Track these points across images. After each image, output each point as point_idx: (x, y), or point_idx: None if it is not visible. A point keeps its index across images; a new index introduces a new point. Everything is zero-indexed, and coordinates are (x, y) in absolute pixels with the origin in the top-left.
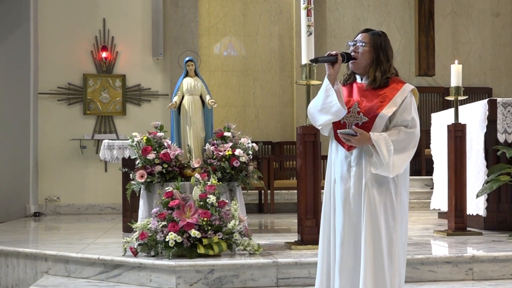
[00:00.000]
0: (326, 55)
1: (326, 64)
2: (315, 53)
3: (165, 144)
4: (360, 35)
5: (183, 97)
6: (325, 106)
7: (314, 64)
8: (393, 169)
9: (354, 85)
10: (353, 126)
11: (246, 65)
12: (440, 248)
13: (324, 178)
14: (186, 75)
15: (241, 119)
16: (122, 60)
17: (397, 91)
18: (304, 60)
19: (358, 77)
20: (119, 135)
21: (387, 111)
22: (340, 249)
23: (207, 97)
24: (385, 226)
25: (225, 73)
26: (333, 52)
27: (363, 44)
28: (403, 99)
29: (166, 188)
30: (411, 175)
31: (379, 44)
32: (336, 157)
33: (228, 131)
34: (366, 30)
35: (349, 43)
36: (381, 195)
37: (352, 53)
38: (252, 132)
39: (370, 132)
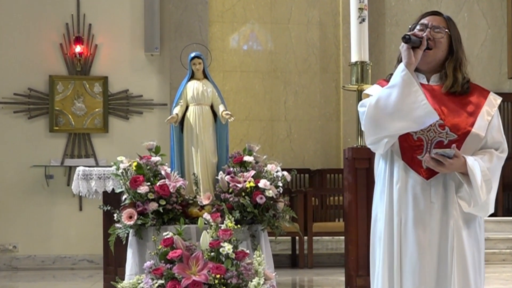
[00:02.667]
0: (410, 33)
1: (404, 47)
2: (370, 47)
3: (163, 172)
4: (429, 17)
5: (187, 108)
6: (404, 107)
7: (405, 43)
8: (490, 206)
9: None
10: (453, 146)
11: (274, 63)
12: None
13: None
14: (192, 77)
15: (267, 138)
16: (103, 57)
17: (484, 102)
18: (355, 57)
19: (419, 76)
20: (98, 160)
21: (480, 129)
22: None
23: (221, 108)
24: (474, 286)
25: (245, 75)
26: (419, 33)
27: (440, 30)
28: (493, 114)
29: (164, 234)
30: (502, 214)
31: (457, 35)
32: (404, 188)
33: (250, 155)
34: (436, 13)
35: (417, 27)
36: (470, 243)
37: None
38: (282, 156)
39: (466, 156)
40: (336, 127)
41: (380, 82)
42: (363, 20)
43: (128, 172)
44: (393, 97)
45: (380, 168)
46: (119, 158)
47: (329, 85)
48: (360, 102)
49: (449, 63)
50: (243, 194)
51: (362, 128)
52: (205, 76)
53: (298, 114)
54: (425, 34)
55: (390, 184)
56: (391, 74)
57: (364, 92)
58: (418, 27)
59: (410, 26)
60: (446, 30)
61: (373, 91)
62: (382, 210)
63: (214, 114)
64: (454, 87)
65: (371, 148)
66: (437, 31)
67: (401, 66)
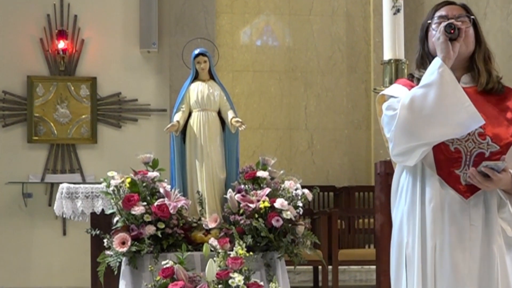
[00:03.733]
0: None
1: (441, 39)
2: (405, 42)
3: (161, 190)
4: (446, 8)
5: (189, 115)
6: (444, 110)
7: (449, 32)
8: None
9: None
10: (503, 157)
11: (292, 62)
12: None
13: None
14: (196, 78)
15: (285, 150)
16: (91, 54)
17: None
18: (388, 54)
19: None
20: (85, 175)
21: None
22: None
23: (230, 114)
24: None
25: (258, 75)
26: (457, 23)
27: (464, 19)
28: None
29: (163, 262)
30: None
31: (480, 27)
32: (440, 207)
33: (264, 170)
34: (451, 2)
35: (434, 21)
36: None
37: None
38: (303, 170)
39: None
40: (366, 137)
41: (401, 81)
42: (398, 10)
43: (121, 190)
44: (431, 98)
45: (405, 183)
46: (109, 174)
47: (358, 87)
48: (386, 104)
49: (478, 56)
50: (256, 215)
51: (388, 135)
52: (211, 76)
53: (321, 121)
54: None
55: (421, 203)
56: (412, 75)
57: (382, 93)
58: (436, 20)
59: (424, 24)
60: (472, 17)
61: (396, 92)
62: (412, 233)
63: (222, 121)
64: (490, 84)
65: (398, 159)
66: (461, 20)
67: (437, 61)
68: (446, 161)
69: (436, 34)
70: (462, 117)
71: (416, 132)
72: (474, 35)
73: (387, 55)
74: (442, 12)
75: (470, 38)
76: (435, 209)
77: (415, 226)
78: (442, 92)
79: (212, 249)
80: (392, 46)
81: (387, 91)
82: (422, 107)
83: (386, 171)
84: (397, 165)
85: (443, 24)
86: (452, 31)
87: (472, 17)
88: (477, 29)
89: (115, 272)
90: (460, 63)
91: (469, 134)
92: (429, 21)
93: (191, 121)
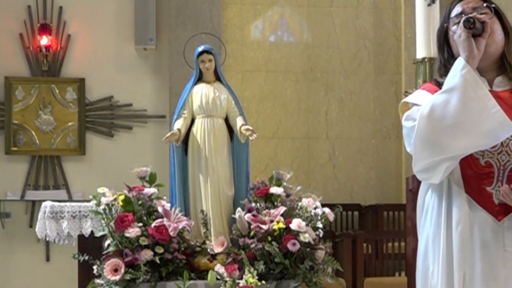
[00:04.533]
0: (468, 16)
1: (463, 36)
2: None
3: (160, 209)
4: (464, 1)
5: (192, 122)
6: (468, 118)
7: (468, 27)
8: None
9: None
10: None
11: (311, 61)
12: None
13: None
14: (199, 79)
15: (302, 163)
16: (79, 52)
17: None
18: (421, 52)
19: None
20: (72, 192)
21: None
22: None
23: (239, 121)
24: None
25: (272, 76)
26: (480, 16)
27: (485, 10)
28: None
29: None
30: None
31: (504, 16)
32: (469, 231)
33: (279, 185)
34: None
35: (453, 19)
36: None
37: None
38: (323, 186)
39: None
40: (395, 148)
41: (426, 86)
42: (433, 1)
43: (113, 209)
44: (453, 104)
45: (430, 203)
46: (100, 190)
47: (387, 90)
48: (405, 114)
49: (509, 50)
50: (270, 238)
51: (409, 149)
52: (218, 77)
53: (344, 129)
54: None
55: (447, 226)
56: (436, 80)
57: (404, 100)
58: (454, 20)
59: (441, 27)
60: (493, 5)
61: (419, 99)
62: (437, 261)
63: (230, 129)
64: None
65: (421, 176)
66: (482, 12)
67: (460, 62)
68: (476, 177)
69: (457, 31)
70: (490, 125)
71: (438, 144)
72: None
73: (421, 53)
74: (457, 9)
75: (496, 32)
76: (463, 233)
77: (441, 253)
78: (466, 97)
79: (219, 277)
80: (426, 42)
81: (410, 98)
82: (444, 116)
83: (419, 187)
84: (422, 182)
85: (463, 19)
86: (471, 26)
87: (493, 5)
88: (502, 19)
89: None
90: (492, 64)
91: (502, 145)
92: (445, 24)
93: (194, 129)
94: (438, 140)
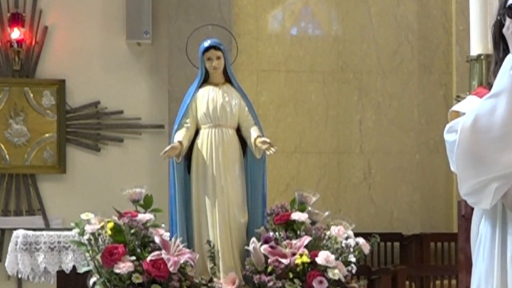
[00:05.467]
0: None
1: (509, 28)
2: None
3: (157, 239)
4: None
5: (196, 133)
6: None
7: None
8: None
9: None
10: None
11: (342, 58)
12: None
13: None
14: (206, 80)
15: (331, 183)
16: (58, 48)
17: None
18: (476, 47)
19: None
20: (50, 219)
21: None
22: None
23: (254, 133)
24: None
25: (294, 77)
26: None
27: None
28: None
29: None
30: None
31: None
32: None
33: (302, 210)
34: None
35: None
36: None
37: None
38: (356, 211)
39: None
40: (445, 164)
41: (479, 91)
42: None
43: (100, 239)
44: (501, 112)
45: (483, 232)
46: (84, 216)
47: (434, 94)
48: (448, 126)
49: None
50: (291, 275)
51: (452, 168)
52: (228, 79)
53: (382, 142)
54: None
55: (501, 259)
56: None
57: (452, 109)
58: (509, 12)
59: (495, 22)
60: None
61: (469, 106)
62: None
63: (243, 142)
64: None
65: (469, 200)
66: None
67: (509, 60)
68: None
69: (506, 24)
70: None
71: (484, 160)
72: None
73: (475, 49)
74: None
75: None
76: None
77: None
78: None
79: None
80: (482, 35)
81: (460, 106)
82: (490, 126)
83: (473, 213)
84: (475, 207)
85: (508, 3)
86: None
87: None
88: None
89: None
90: None
91: None
92: (498, 17)
93: (198, 141)
94: (484, 155)
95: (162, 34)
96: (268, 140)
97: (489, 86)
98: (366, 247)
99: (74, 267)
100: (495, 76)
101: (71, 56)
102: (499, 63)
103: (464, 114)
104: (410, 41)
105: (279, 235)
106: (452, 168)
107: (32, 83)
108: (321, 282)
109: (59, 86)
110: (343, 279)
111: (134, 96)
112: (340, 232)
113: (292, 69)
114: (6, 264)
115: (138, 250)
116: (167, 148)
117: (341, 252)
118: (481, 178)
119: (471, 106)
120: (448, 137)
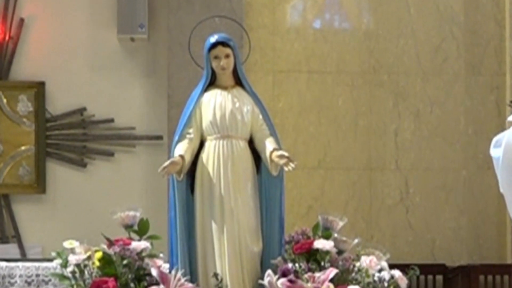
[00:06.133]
0: None
1: None
2: None
3: (154, 272)
4: None
5: (201, 145)
6: None
7: None
8: None
9: None
10: None
11: (374, 57)
12: None
13: None
14: (212, 83)
15: (362, 204)
16: (37, 44)
17: None
18: None
19: None
20: (27, 247)
21: None
22: None
23: (269, 145)
24: None
25: (317, 79)
26: None
27: None
28: None
29: None
30: None
31: None
32: None
33: (327, 237)
34: None
35: None
36: None
37: None
38: (392, 238)
39: None
40: (497, 183)
41: None
42: None
43: (86, 272)
44: None
45: None
46: (67, 245)
47: (484, 98)
48: (494, 139)
49: None
50: None
51: (501, 188)
52: (238, 81)
53: (422, 156)
54: None
55: None
56: None
57: (510, 119)
58: None
59: None
60: None
61: None
62: None
63: (257, 156)
64: None
65: None
66: None
67: None
68: None
69: None
70: None
71: None
72: None
73: None
74: None
75: None
76: None
77: None
78: None
79: None
80: None
81: None
82: None
83: None
84: None
85: None
86: None
87: None
88: None
89: None
90: None
91: None
92: None
93: (203, 155)
94: None
95: (160, 27)
96: (286, 154)
97: None
98: (403, 281)
99: None
100: None
101: (51, 54)
102: None
103: None
104: (455, 36)
105: (300, 266)
106: (501, 187)
107: (6, 86)
108: None
109: (38, 90)
110: None
111: (126, 101)
112: (372, 263)
113: (315, 69)
114: None
115: (132, 285)
116: (166, 163)
117: (373, 287)
118: None
119: None
120: (494, 152)
